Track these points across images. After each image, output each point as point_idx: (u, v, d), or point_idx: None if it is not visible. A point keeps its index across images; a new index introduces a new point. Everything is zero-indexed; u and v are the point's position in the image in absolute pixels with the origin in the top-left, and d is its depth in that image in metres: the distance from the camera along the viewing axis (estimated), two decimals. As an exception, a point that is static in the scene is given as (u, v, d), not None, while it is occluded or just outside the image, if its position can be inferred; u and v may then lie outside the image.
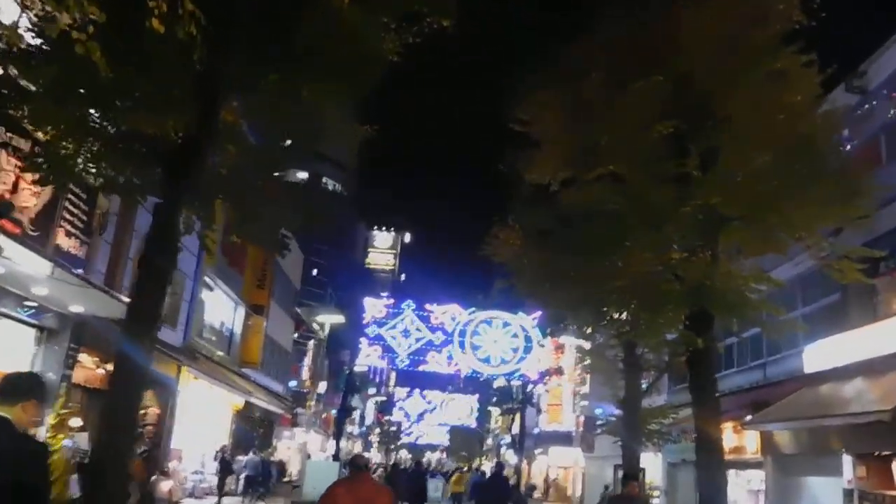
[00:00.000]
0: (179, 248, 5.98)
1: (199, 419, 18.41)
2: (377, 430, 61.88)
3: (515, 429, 33.24)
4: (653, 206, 8.54)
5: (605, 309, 8.65)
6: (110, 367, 14.20)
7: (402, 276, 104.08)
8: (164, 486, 13.38)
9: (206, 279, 18.56)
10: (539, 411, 34.09)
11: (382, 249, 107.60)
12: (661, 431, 12.90)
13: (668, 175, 8.69)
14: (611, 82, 8.72)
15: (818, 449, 12.42)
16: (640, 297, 8.26)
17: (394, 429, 70.68)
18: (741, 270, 8.87)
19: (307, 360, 39.78)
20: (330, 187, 60.69)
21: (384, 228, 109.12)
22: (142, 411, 16.55)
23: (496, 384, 36.48)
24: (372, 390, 64.16)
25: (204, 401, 18.11)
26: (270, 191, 7.37)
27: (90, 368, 12.59)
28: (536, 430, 35.26)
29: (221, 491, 16.67)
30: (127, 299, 12.62)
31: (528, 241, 9.63)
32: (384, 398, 63.51)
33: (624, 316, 9.06)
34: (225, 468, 16.84)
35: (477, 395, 54.21)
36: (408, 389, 62.20)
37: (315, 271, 33.00)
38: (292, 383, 24.59)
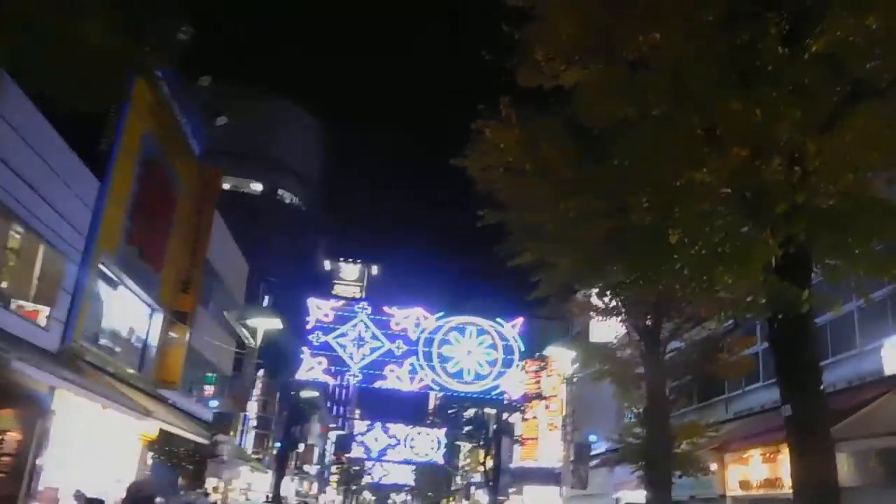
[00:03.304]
0: None
1: (91, 451, 14.36)
2: (334, 469, 56.83)
3: (488, 464, 29.44)
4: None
5: (664, 244, 5.25)
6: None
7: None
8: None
9: (106, 271, 14.76)
10: (516, 442, 30.36)
11: (349, 281, 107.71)
12: (693, 457, 9.52)
13: (741, 47, 5.63)
14: None
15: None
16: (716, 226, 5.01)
17: (356, 468, 65.58)
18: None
19: (256, 391, 35.48)
20: (287, 200, 56.80)
21: (351, 260, 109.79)
22: (-5, 437, 12.62)
23: (466, 414, 32.69)
24: (333, 424, 59.31)
25: (97, 427, 14.09)
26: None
27: None
28: (512, 466, 31.45)
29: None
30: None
31: (534, 143, 6.22)
32: (343, 432, 58.50)
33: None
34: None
35: (444, 430, 50.02)
36: (367, 423, 57.42)
37: (266, 299, 29.00)
38: (213, 403, 20.48)
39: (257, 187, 53.23)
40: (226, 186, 49.90)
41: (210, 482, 23.22)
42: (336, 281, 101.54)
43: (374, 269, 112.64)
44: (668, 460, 8.53)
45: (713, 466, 12.67)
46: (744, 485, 12.40)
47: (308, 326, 19.72)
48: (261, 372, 34.11)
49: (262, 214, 41.64)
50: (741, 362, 8.96)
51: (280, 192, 54.96)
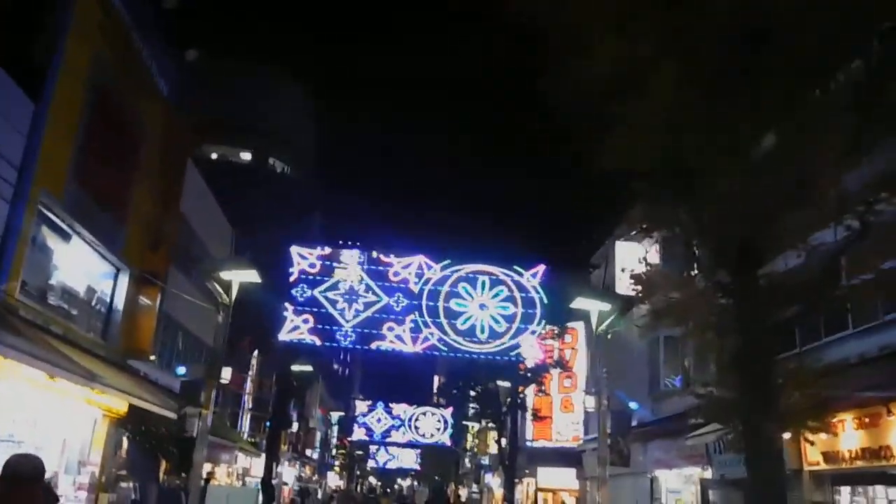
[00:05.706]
0: None
1: (41, 428, 12.15)
2: (335, 452, 54.92)
3: (501, 443, 27.29)
4: None
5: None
6: None
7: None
8: None
9: (51, 216, 12.43)
10: (533, 418, 28.08)
11: (348, 265, 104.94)
12: (810, 411, 7.20)
13: None
14: None
15: None
16: None
17: (360, 452, 63.75)
18: None
19: (252, 373, 33.25)
20: (278, 170, 54.07)
21: (350, 244, 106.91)
22: None
23: (473, 391, 30.44)
24: (334, 405, 57.24)
25: (47, 399, 11.85)
26: None
27: None
28: (525, 445, 29.30)
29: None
30: None
31: None
32: (344, 414, 56.39)
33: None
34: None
35: (450, 410, 47.86)
36: (369, 403, 55.22)
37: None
38: (180, 370, 18.19)
39: (246, 156, 50.70)
40: (213, 156, 47.49)
41: (205, 467, 21.07)
42: (336, 265, 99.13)
43: (374, 254, 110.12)
44: (775, 417, 6.25)
45: (785, 436, 10.31)
46: (830, 457, 10.13)
47: (291, 279, 17.24)
48: (255, 354, 31.91)
49: (252, 184, 39.26)
50: (883, 281, 6.47)
51: (271, 161, 52.35)
